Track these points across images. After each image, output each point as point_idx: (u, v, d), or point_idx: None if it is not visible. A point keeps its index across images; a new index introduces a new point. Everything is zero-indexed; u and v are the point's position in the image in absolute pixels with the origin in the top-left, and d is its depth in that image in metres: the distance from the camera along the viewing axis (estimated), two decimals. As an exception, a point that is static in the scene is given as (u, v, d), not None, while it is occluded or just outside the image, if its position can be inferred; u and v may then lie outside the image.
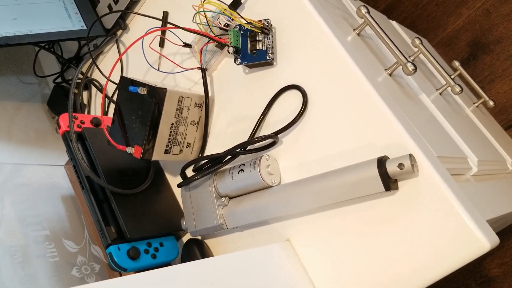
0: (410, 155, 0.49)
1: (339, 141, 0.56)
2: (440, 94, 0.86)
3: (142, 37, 0.63)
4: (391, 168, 0.49)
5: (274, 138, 0.60)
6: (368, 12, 0.70)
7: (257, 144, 0.62)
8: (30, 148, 0.81)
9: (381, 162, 0.50)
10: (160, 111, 0.62)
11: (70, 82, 0.90)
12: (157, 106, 0.61)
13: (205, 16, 0.61)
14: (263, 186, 0.59)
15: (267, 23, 0.61)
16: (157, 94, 0.61)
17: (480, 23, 1.30)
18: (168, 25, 0.71)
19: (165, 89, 0.62)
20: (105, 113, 0.82)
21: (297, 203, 0.55)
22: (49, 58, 0.97)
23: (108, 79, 0.63)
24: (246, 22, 0.60)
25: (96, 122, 0.72)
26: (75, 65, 0.88)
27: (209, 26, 0.64)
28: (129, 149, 0.62)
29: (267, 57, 0.61)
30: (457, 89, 0.83)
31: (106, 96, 0.83)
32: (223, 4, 0.62)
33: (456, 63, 1.08)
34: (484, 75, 1.30)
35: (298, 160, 0.60)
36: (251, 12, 0.65)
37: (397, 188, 0.51)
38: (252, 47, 0.61)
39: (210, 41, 0.65)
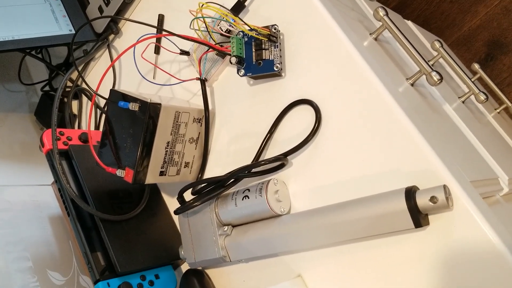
0: (445, 187, 0.42)
1: (357, 165, 0.49)
2: (463, 102, 0.78)
3: (133, 45, 0.55)
4: (422, 201, 0.42)
5: (283, 161, 0.53)
6: (387, 14, 0.63)
7: (263, 167, 0.55)
8: (14, 165, 0.74)
9: (410, 194, 0.43)
10: (154, 129, 0.55)
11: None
12: (150, 124, 0.54)
13: (204, 22, 0.54)
14: (271, 214, 0.52)
15: (275, 29, 0.54)
16: (150, 110, 0.54)
17: (499, 21, 1.22)
18: (163, 32, 0.63)
19: (160, 104, 0.55)
20: (97, 126, 0.75)
21: (310, 238, 0.48)
22: (38, 63, 0.90)
23: (96, 93, 0.56)
24: (250, 29, 0.53)
25: (84, 138, 0.66)
26: (64, 72, 0.81)
27: (208, 32, 0.57)
28: (119, 172, 0.55)
29: (275, 68, 0.53)
30: (482, 97, 0.76)
31: (97, 106, 0.77)
32: (224, 8, 0.55)
33: (476, 66, 1.00)
34: (502, 77, 1.22)
35: (311, 185, 0.53)
36: (256, 16, 0.58)
37: (427, 223, 0.44)
38: (257, 56, 0.54)
39: (210, 50, 0.57)
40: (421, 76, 0.62)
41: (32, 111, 0.86)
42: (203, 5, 0.52)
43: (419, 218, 0.42)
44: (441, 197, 0.41)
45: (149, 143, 0.55)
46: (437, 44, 0.81)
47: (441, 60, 0.91)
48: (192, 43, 0.62)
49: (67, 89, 0.80)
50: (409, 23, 0.99)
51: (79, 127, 0.79)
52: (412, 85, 0.61)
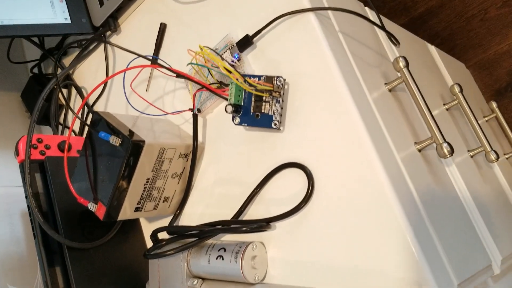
0: (430, 312, 0.38)
1: (344, 252, 0.45)
2: (471, 156, 0.74)
3: (123, 71, 0.50)
4: (403, 323, 0.39)
5: (265, 228, 0.49)
6: (407, 66, 0.57)
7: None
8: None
9: (391, 310, 0.39)
10: (134, 166, 0.51)
11: (48, 76, 0.78)
12: (130, 161, 0.50)
13: (209, 68, 0.49)
14: (244, 281, 0.49)
15: (279, 82, 0.48)
16: (132, 148, 0.49)
17: (528, 51, 1.15)
18: (157, 63, 0.58)
19: (143, 141, 0.50)
20: (82, 128, 0.71)
21: (280, 323, 0.45)
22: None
23: (76, 116, 0.51)
24: (250, 85, 0.47)
25: (63, 148, 0.61)
26: (56, 57, 0.76)
27: (208, 68, 0.51)
28: (91, 206, 0.52)
29: (273, 125, 0.49)
30: (493, 156, 0.71)
31: (85, 105, 0.72)
32: (223, 60, 0.49)
33: (494, 105, 0.95)
34: (519, 111, 1.16)
35: (290, 257, 0.49)
36: (262, 55, 0.52)
37: None
38: (256, 108, 0.49)
39: (206, 89, 0.52)
40: (432, 144, 0.57)
41: (20, 89, 0.81)
42: (202, 49, 0.46)
43: None
44: (424, 324, 0.38)
45: (127, 180, 0.51)
46: (457, 89, 0.76)
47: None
48: (190, 67, 0.57)
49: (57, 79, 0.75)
50: (432, 49, 0.92)
51: (64, 119, 0.75)
52: (419, 151, 0.57)
